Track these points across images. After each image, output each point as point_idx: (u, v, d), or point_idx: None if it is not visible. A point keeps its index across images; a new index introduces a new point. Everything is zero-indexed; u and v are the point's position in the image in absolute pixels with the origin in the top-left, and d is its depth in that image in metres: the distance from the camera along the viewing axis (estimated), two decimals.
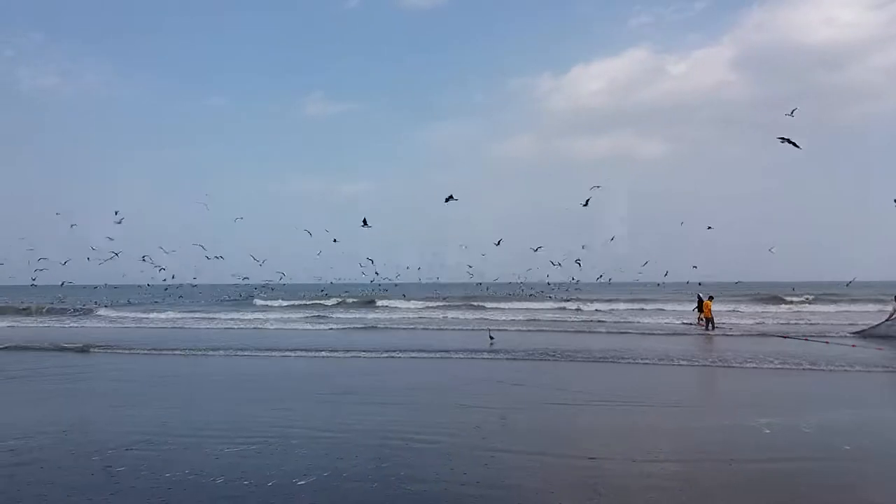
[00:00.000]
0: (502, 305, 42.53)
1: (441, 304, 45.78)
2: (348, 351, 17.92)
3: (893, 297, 23.48)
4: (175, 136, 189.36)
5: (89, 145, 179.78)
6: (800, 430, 8.53)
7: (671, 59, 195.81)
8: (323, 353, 17.57)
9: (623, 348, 18.28)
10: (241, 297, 60.76)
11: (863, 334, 22.87)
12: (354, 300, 51.16)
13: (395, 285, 59.27)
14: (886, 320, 22.73)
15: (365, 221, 17.79)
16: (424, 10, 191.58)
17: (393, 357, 16.78)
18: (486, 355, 16.98)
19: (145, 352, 19.20)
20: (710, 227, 29.86)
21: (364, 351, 17.94)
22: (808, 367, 14.17)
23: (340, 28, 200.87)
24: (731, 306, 38.06)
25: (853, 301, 42.27)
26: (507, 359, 16.34)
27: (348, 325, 28.93)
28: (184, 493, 6.11)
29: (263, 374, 14.75)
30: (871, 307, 35.73)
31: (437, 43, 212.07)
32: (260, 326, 29.27)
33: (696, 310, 29.11)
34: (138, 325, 31.38)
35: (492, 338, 20.87)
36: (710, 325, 25.81)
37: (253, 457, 7.34)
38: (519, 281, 48.75)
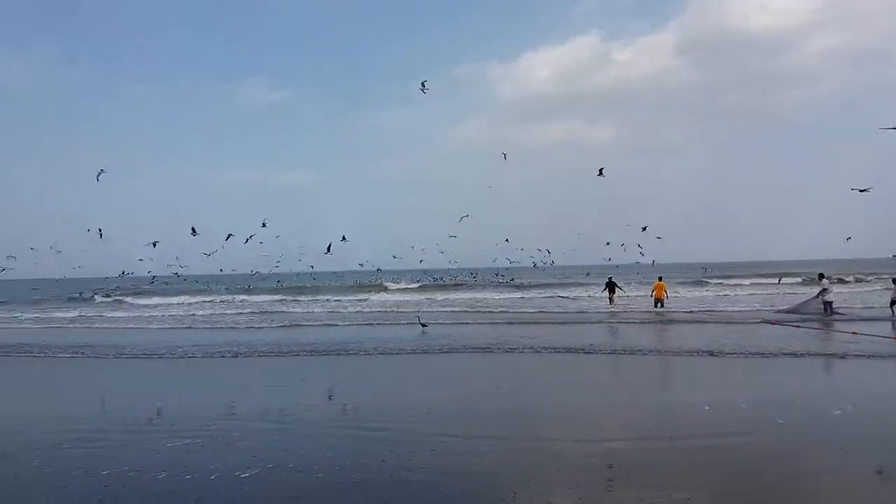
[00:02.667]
0: (451, 295, 42.42)
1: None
2: (294, 346, 17.60)
3: (818, 276, 24.41)
4: (108, 123, 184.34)
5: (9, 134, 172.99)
6: (738, 406, 8.82)
7: (617, 46, 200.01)
8: (263, 350, 17.20)
9: (572, 335, 18.55)
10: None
11: (790, 311, 23.75)
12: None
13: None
14: (815, 297, 23.62)
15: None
16: None
17: (325, 355, 16.50)
18: (426, 345, 16.63)
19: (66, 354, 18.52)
20: (645, 228, 30.45)
21: (310, 346, 17.63)
22: (755, 351, 14.48)
23: (277, 15, 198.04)
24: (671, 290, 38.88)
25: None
26: (446, 350, 15.61)
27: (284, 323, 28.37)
28: (122, 489, 5.93)
29: (204, 369, 14.48)
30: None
31: (383, 30, 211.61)
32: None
33: (607, 293, 29.84)
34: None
35: (424, 325, 20.50)
36: (660, 304, 26.39)
37: (196, 451, 7.17)
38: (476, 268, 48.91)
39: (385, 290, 50.34)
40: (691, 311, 25.62)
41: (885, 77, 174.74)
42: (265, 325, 24.97)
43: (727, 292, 40.39)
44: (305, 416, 9.07)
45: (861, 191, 18.19)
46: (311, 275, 53.29)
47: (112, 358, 16.29)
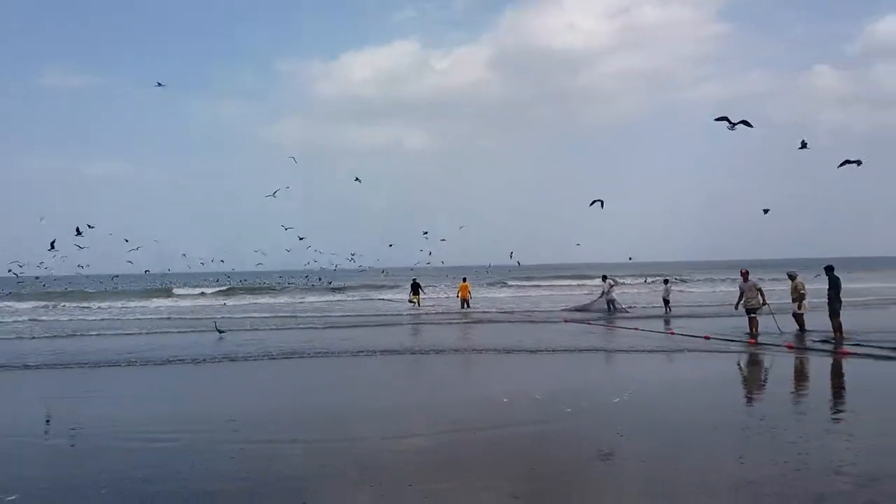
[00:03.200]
0: (260, 300, 40.36)
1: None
2: (76, 356, 15.79)
3: (602, 277, 27.05)
4: None
5: None
6: (533, 398, 9.45)
7: (436, 55, 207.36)
8: (40, 361, 15.24)
9: (385, 336, 18.72)
10: None
11: (579, 309, 26.04)
12: None
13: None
14: (600, 297, 26.11)
15: None
16: None
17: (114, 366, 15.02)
18: (230, 352, 15.78)
19: None
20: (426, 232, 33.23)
21: (93, 355, 15.89)
22: (549, 347, 15.49)
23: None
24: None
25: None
26: (252, 357, 14.57)
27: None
28: None
29: None
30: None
31: (203, 20, 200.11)
32: None
33: (412, 293, 29.64)
34: None
35: (220, 331, 19.12)
36: (466, 305, 27.70)
37: None
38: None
39: (173, 295, 45.93)
40: (506, 311, 27.24)
41: (672, 99, 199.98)
42: (38, 334, 21.71)
43: (529, 293, 43.31)
44: (90, 429, 8.15)
45: (594, 202, 21.91)
46: (86, 276, 48.12)
47: None
